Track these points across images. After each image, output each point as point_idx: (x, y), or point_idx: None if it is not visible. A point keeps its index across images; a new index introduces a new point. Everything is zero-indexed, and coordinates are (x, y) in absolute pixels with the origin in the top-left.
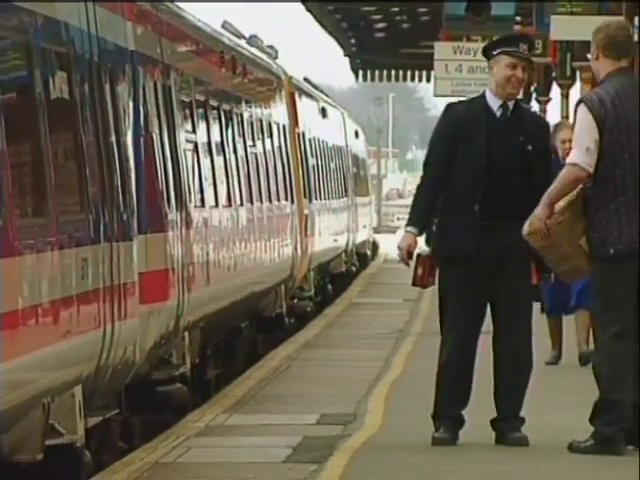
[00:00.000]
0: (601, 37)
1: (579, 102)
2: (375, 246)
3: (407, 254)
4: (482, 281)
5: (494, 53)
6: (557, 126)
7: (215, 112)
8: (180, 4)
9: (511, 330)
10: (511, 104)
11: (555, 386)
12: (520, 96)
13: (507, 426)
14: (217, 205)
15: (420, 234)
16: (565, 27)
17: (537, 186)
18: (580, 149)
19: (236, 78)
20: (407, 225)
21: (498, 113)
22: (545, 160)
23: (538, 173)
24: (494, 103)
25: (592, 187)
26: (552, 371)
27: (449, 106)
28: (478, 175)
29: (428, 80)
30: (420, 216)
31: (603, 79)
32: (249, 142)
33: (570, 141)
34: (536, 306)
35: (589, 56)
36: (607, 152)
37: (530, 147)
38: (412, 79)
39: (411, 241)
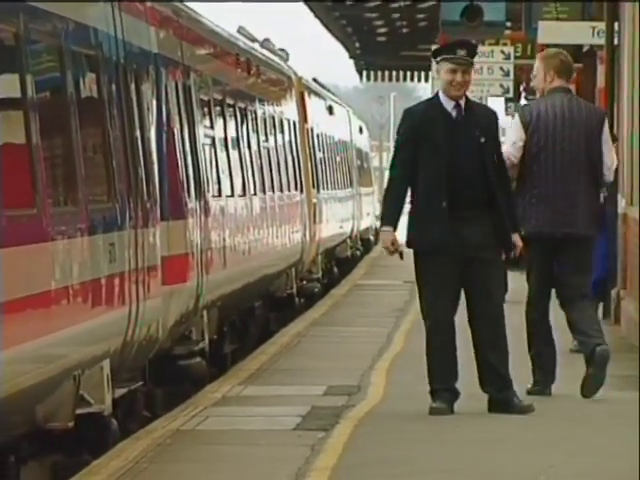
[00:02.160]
0: (555, 62)
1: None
2: (377, 232)
3: (393, 247)
4: (454, 270)
5: (437, 60)
6: None
7: (231, 110)
8: (195, 4)
9: (484, 315)
10: (462, 102)
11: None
12: (510, 95)
13: (504, 396)
14: (233, 195)
15: (395, 230)
16: (552, 31)
17: (492, 175)
18: (508, 143)
19: (250, 78)
20: (383, 225)
21: (453, 113)
22: (497, 148)
23: (492, 162)
24: (448, 104)
25: (516, 181)
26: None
27: (408, 110)
28: (442, 172)
29: (426, 80)
30: (392, 215)
31: (547, 92)
32: (262, 137)
33: None
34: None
35: (534, 73)
36: (527, 152)
37: (483, 139)
38: (411, 79)
39: (391, 237)
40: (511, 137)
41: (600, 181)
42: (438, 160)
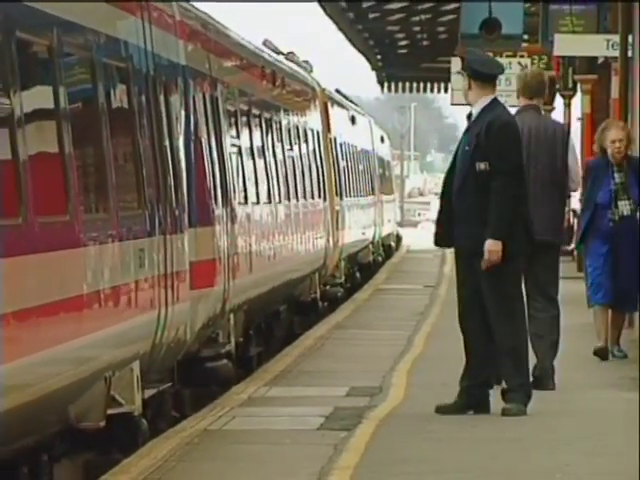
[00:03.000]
0: (520, 83)
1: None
2: (399, 238)
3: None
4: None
5: None
6: (605, 126)
7: (257, 120)
8: (222, 16)
9: (489, 311)
10: (475, 110)
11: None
12: None
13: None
14: (258, 202)
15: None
16: (567, 44)
17: (469, 183)
18: None
19: (275, 90)
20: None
21: (469, 119)
22: (485, 156)
23: (473, 169)
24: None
25: None
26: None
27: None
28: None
29: (445, 91)
30: None
31: (517, 111)
32: (287, 146)
33: (620, 141)
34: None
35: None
36: None
37: (467, 147)
38: (431, 90)
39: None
40: None
41: (565, 193)
42: (452, 166)
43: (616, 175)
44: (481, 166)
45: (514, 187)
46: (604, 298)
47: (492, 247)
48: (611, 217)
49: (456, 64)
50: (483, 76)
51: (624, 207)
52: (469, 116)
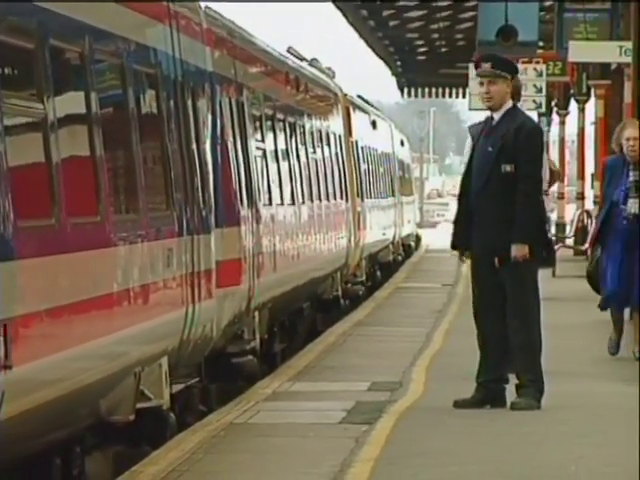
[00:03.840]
0: None
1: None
2: (418, 238)
3: None
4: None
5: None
6: (623, 125)
7: (281, 124)
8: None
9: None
10: (497, 115)
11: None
12: (542, 110)
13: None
14: (282, 203)
15: None
16: (581, 51)
17: (494, 185)
18: None
19: (299, 95)
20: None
21: (488, 124)
22: (509, 159)
23: (497, 172)
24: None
25: None
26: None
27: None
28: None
29: (464, 96)
30: None
31: None
32: (310, 149)
33: (635, 139)
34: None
35: None
36: None
37: (490, 149)
38: (449, 95)
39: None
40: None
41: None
42: (468, 168)
43: (631, 173)
44: (507, 168)
45: (539, 192)
46: (619, 307)
47: (520, 250)
48: (625, 215)
49: (473, 70)
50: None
51: (633, 205)
52: (488, 120)
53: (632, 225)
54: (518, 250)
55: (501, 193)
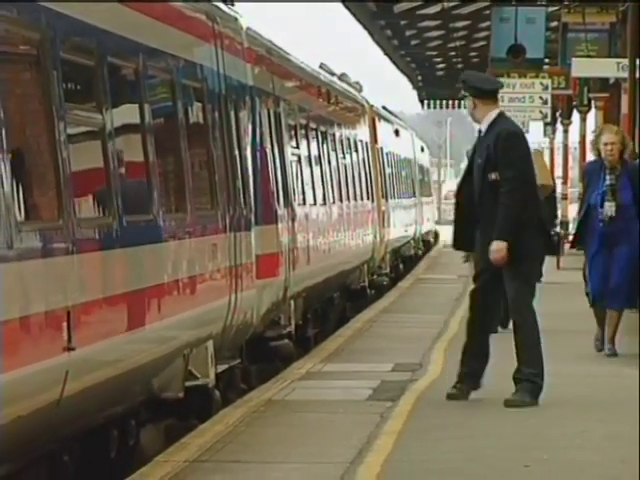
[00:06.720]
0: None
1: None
2: (436, 235)
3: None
4: None
5: None
6: (600, 130)
7: (314, 132)
8: (295, 58)
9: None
10: (483, 127)
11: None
12: (548, 120)
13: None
14: (315, 203)
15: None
16: (583, 67)
17: (485, 191)
18: None
19: (330, 106)
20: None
21: (478, 136)
22: (494, 168)
23: (487, 180)
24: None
25: None
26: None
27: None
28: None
29: None
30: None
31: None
32: (340, 155)
33: (612, 144)
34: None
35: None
36: None
37: (479, 160)
38: (465, 107)
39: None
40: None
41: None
42: (463, 175)
43: (608, 177)
44: (492, 176)
45: (519, 191)
46: (603, 306)
47: (495, 247)
48: (601, 218)
49: None
50: (486, 93)
51: (609, 209)
52: (479, 132)
53: (608, 227)
54: (493, 245)
55: (492, 200)
